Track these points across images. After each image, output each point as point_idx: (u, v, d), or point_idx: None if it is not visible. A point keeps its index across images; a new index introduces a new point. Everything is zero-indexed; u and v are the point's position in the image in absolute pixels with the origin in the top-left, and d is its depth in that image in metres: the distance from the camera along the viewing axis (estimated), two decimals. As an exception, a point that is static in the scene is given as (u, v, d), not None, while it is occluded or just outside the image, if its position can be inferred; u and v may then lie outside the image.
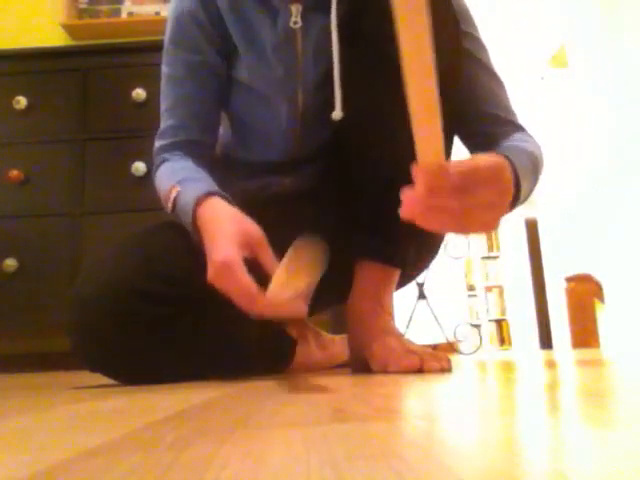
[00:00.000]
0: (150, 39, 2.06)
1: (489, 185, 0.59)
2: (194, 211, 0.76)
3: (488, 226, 0.62)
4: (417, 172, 0.53)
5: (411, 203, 0.54)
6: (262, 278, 0.68)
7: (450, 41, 0.77)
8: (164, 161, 0.87)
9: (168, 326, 0.79)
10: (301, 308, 0.66)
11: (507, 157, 0.68)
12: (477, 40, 0.92)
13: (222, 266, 0.67)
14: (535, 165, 0.82)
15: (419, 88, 0.48)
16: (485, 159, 0.60)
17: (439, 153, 0.52)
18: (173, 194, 0.80)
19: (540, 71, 3.87)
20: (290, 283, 0.67)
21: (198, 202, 0.76)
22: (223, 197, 0.77)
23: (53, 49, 1.97)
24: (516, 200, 0.72)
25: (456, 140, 0.92)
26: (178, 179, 0.82)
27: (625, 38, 2.83)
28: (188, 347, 0.81)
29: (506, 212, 0.64)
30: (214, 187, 0.80)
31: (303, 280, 0.68)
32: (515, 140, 0.86)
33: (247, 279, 0.66)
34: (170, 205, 0.81)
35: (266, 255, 0.70)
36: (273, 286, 0.66)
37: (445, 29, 0.76)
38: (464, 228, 0.61)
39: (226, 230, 0.71)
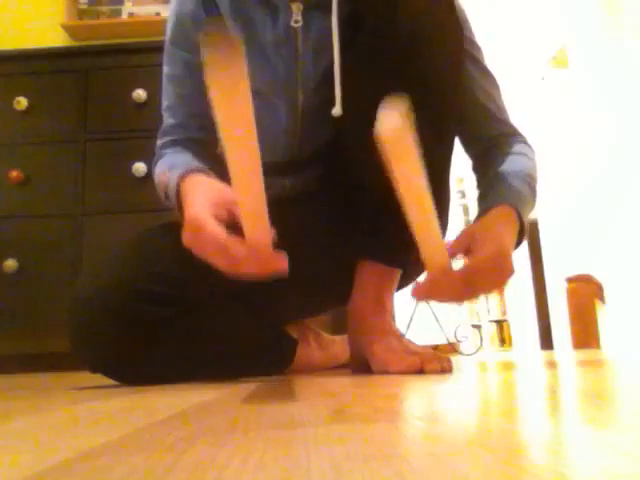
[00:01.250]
0: (150, 40, 2.06)
1: (494, 273, 0.70)
2: (178, 187, 0.76)
3: (489, 294, 0.76)
4: (426, 269, 0.64)
5: (421, 291, 0.66)
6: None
7: (453, 48, 0.78)
8: (161, 156, 0.88)
9: (168, 327, 0.79)
10: (282, 262, 0.59)
11: (512, 206, 0.79)
12: (473, 43, 0.93)
13: (192, 224, 0.65)
14: (533, 188, 0.88)
15: (418, 214, 0.55)
16: (489, 248, 0.70)
17: (443, 258, 0.63)
18: (164, 180, 0.81)
19: (540, 71, 3.87)
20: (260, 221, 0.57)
21: (181, 179, 0.76)
22: (205, 173, 0.77)
23: (53, 50, 1.97)
24: (519, 244, 0.82)
25: (457, 141, 0.93)
26: (169, 166, 0.83)
27: (625, 38, 2.83)
28: (188, 348, 0.81)
29: (506, 284, 0.74)
30: (198, 165, 0.80)
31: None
32: (513, 154, 0.89)
33: (217, 229, 0.63)
34: (163, 193, 0.82)
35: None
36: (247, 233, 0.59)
37: (449, 34, 0.77)
38: (472, 299, 0.72)
39: (200, 193, 0.70)
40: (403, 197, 0.52)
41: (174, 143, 0.89)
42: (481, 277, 0.69)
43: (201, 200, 0.68)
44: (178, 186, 0.76)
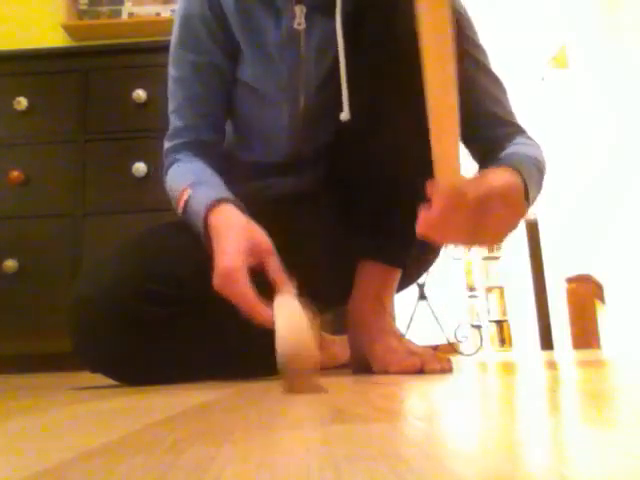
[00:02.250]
0: (150, 40, 2.06)
1: (503, 204, 0.63)
2: (205, 217, 0.75)
3: (498, 239, 0.67)
4: (434, 192, 0.57)
5: (427, 221, 0.58)
6: (268, 287, 0.69)
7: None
8: (175, 162, 0.88)
9: (168, 327, 0.79)
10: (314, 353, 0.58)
11: (518, 170, 0.72)
12: (478, 46, 0.93)
13: (225, 274, 0.68)
14: (540, 171, 0.84)
15: (441, 107, 0.50)
16: (499, 178, 0.65)
17: (456, 173, 0.55)
18: (184, 197, 0.80)
19: (540, 72, 3.87)
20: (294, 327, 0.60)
21: (210, 208, 0.75)
22: (235, 204, 0.77)
23: (54, 50, 1.97)
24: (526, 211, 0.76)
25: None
26: (190, 182, 0.81)
27: (625, 38, 2.83)
28: (188, 348, 0.81)
29: (517, 225, 0.68)
30: (226, 193, 0.79)
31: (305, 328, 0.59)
32: (518, 144, 0.87)
33: (247, 288, 0.67)
34: (181, 208, 0.81)
35: (273, 263, 0.70)
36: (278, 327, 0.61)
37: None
38: (476, 242, 0.66)
39: (234, 238, 0.71)
40: (424, 56, 0.47)
41: (185, 146, 0.88)
42: (494, 204, 0.62)
43: (234, 248, 0.69)
44: (206, 218, 0.75)
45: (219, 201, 0.76)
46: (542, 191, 0.87)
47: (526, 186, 0.74)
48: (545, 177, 0.88)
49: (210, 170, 0.85)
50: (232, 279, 0.67)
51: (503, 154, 0.85)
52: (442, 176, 0.55)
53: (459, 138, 0.52)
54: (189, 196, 0.79)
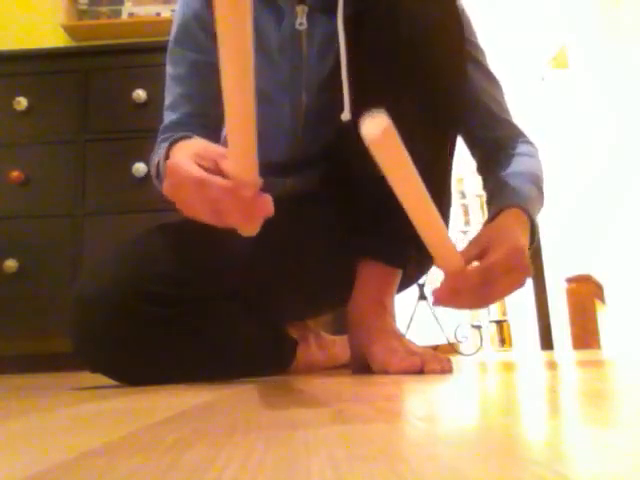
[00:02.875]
0: (151, 40, 2.06)
1: (509, 273, 0.69)
2: (167, 151, 0.72)
3: (514, 290, 0.72)
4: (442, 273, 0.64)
5: (441, 297, 0.65)
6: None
7: (455, 46, 0.78)
8: (160, 149, 0.88)
9: (168, 326, 0.79)
10: (268, 206, 0.55)
11: (522, 207, 0.79)
12: (477, 46, 0.93)
13: (171, 169, 0.62)
14: (541, 188, 0.90)
15: (421, 217, 0.54)
16: (503, 248, 0.70)
17: (456, 261, 0.62)
18: (156, 159, 0.80)
19: (540, 72, 3.87)
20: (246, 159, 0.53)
21: (171, 145, 0.73)
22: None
23: (53, 50, 1.97)
24: (532, 244, 0.82)
25: (458, 142, 0.93)
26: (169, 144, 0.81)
27: (625, 38, 2.83)
28: (188, 348, 0.81)
29: (524, 284, 0.73)
30: (189, 134, 0.77)
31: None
32: (519, 155, 0.90)
33: (195, 168, 0.59)
34: (155, 174, 0.80)
35: (227, 163, 0.60)
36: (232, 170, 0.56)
37: (451, 35, 0.77)
38: (490, 303, 0.73)
39: (182, 149, 0.67)
40: (402, 201, 0.51)
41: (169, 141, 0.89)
42: (498, 275, 0.68)
43: (183, 152, 0.64)
44: (168, 151, 0.72)
45: (181, 138, 0.74)
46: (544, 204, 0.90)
47: (532, 221, 0.80)
48: (544, 190, 0.91)
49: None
50: (178, 169, 0.60)
51: (505, 173, 0.88)
52: (444, 265, 0.62)
53: (443, 225, 0.56)
54: (159, 155, 0.78)
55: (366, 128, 0.41)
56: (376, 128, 0.41)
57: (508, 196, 0.83)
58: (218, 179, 0.57)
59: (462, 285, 0.64)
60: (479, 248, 0.73)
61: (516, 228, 0.76)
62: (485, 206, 0.90)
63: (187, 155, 0.62)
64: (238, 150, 0.50)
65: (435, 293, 0.65)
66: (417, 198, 0.50)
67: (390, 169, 0.46)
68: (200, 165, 0.60)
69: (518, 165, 0.89)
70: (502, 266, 0.69)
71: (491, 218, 0.82)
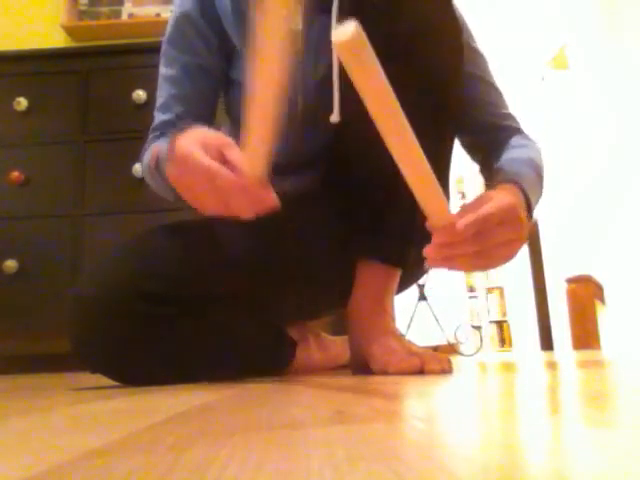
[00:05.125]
0: (150, 40, 2.06)
1: (504, 226, 0.64)
2: (171, 144, 0.70)
3: (508, 258, 0.68)
4: (431, 229, 0.59)
5: (432, 255, 0.60)
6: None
7: (453, 47, 0.78)
8: (151, 145, 0.87)
9: (168, 327, 0.79)
10: (272, 198, 0.57)
11: (516, 182, 0.75)
12: (475, 50, 0.93)
13: (177, 156, 0.62)
14: (539, 174, 0.86)
15: (412, 167, 0.50)
16: (496, 202, 0.65)
17: (444, 212, 0.57)
18: (155, 153, 0.79)
19: (540, 72, 3.87)
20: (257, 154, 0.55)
21: (175, 137, 0.70)
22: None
23: (53, 50, 1.97)
24: (529, 221, 0.77)
25: (457, 144, 0.94)
26: (160, 142, 0.81)
27: (625, 38, 2.83)
28: (188, 348, 0.81)
29: (524, 242, 0.69)
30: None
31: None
32: (516, 147, 0.89)
33: (203, 157, 0.59)
34: (153, 165, 0.79)
35: (235, 153, 0.61)
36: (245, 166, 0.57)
37: (448, 34, 0.77)
38: (487, 265, 0.67)
39: (189, 136, 0.66)
40: (378, 126, 0.45)
41: (165, 136, 0.88)
42: (492, 227, 0.63)
43: (191, 139, 0.64)
44: (172, 144, 0.70)
45: (184, 129, 0.72)
46: (543, 193, 0.88)
47: (527, 197, 0.76)
48: (545, 178, 0.89)
49: None
50: (185, 156, 0.60)
51: (501, 160, 0.87)
52: (432, 217, 0.57)
53: (434, 177, 0.52)
54: (159, 150, 0.78)
55: (335, 35, 0.39)
56: (345, 34, 0.38)
57: (504, 176, 0.80)
58: (229, 172, 0.58)
59: (453, 239, 0.59)
60: (473, 209, 0.66)
61: (509, 196, 0.71)
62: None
63: (194, 143, 0.62)
64: (255, 143, 0.52)
65: (427, 251, 0.60)
66: (395, 123, 0.45)
67: (361, 80, 0.42)
68: (207, 153, 0.61)
69: (516, 153, 0.88)
70: (496, 217, 0.63)
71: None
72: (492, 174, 0.87)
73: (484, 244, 0.63)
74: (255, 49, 0.42)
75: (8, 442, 0.28)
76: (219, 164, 0.59)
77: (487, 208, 0.63)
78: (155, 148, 0.81)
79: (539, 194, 0.86)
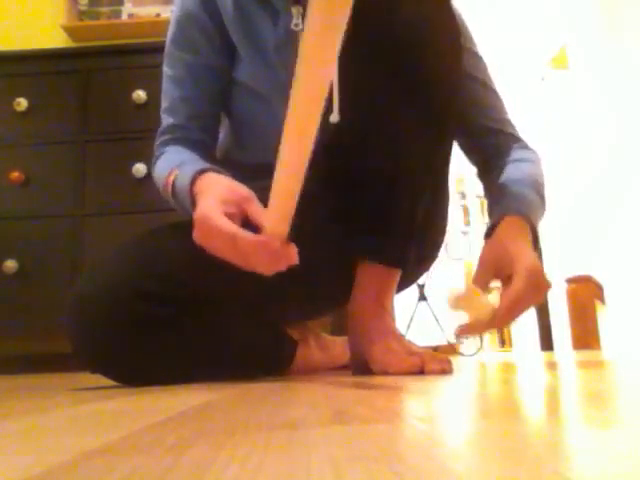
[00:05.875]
0: (151, 40, 2.06)
1: (530, 293, 0.74)
2: (191, 185, 0.74)
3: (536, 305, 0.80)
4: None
5: (467, 333, 0.76)
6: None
7: (451, 48, 0.78)
8: (162, 153, 0.88)
9: (168, 327, 0.79)
10: (293, 255, 0.61)
11: (524, 215, 0.81)
12: (475, 54, 0.94)
13: (200, 219, 0.66)
14: (542, 195, 0.91)
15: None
16: (522, 275, 0.73)
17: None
18: (172, 177, 0.80)
19: (540, 72, 3.87)
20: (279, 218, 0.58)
21: (194, 178, 0.75)
22: (220, 172, 0.77)
23: (54, 51, 1.97)
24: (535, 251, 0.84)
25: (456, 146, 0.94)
26: (177, 163, 0.81)
27: (625, 38, 2.83)
28: (188, 348, 0.81)
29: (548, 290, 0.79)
30: (211, 166, 0.79)
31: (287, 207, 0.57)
32: (517, 161, 0.90)
33: (225, 222, 0.63)
34: (170, 189, 0.81)
35: (254, 208, 0.67)
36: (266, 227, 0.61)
37: (447, 35, 0.77)
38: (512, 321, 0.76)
39: (212, 191, 0.70)
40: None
41: (174, 141, 0.89)
42: (523, 303, 0.74)
43: (211, 198, 0.68)
44: (192, 185, 0.74)
45: (204, 170, 0.75)
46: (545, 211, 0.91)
47: (535, 231, 0.82)
48: (545, 193, 0.91)
49: (197, 156, 0.85)
50: (207, 221, 0.64)
51: (504, 179, 0.88)
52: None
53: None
54: (176, 176, 0.79)
55: None
56: None
57: (509, 203, 0.84)
58: (249, 235, 0.61)
59: (485, 320, 0.72)
60: (491, 271, 0.77)
61: (520, 241, 0.77)
62: (486, 210, 0.91)
63: (214, 204, 0.66)
64: (280, 201, 0.52)
65: (460, 329, 0.74)
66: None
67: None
68: (226, 213, 0.65)
69: (518, 171, 0.89)
70: (528, 292, 0.73)
71: (492, 226, 0.82)
72: (495, 191, 0.89)
73: (517, 312, 0.74)
74: (290, 116, 0.41)
75: (8, 442, 0.28)
76: (237, 227, 0.63)
77: (517, 287, 0.72)
78: (170, 176, 0.81)
79: (542, 215, 0.89)
